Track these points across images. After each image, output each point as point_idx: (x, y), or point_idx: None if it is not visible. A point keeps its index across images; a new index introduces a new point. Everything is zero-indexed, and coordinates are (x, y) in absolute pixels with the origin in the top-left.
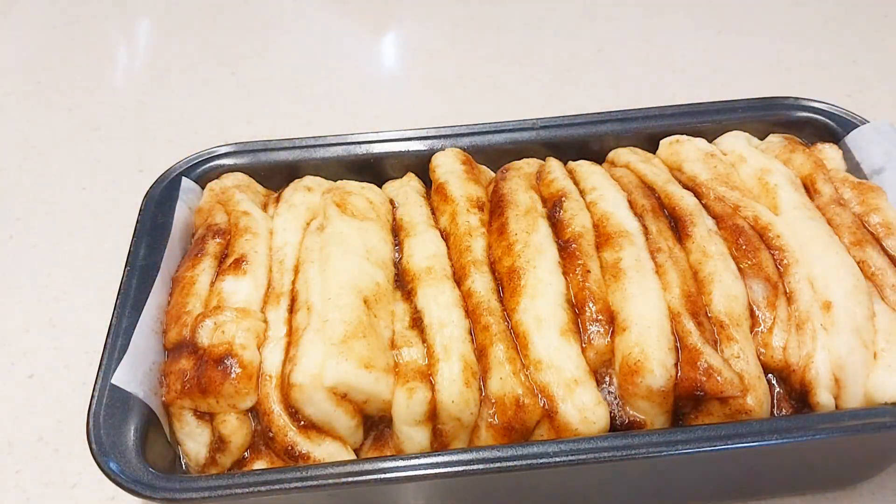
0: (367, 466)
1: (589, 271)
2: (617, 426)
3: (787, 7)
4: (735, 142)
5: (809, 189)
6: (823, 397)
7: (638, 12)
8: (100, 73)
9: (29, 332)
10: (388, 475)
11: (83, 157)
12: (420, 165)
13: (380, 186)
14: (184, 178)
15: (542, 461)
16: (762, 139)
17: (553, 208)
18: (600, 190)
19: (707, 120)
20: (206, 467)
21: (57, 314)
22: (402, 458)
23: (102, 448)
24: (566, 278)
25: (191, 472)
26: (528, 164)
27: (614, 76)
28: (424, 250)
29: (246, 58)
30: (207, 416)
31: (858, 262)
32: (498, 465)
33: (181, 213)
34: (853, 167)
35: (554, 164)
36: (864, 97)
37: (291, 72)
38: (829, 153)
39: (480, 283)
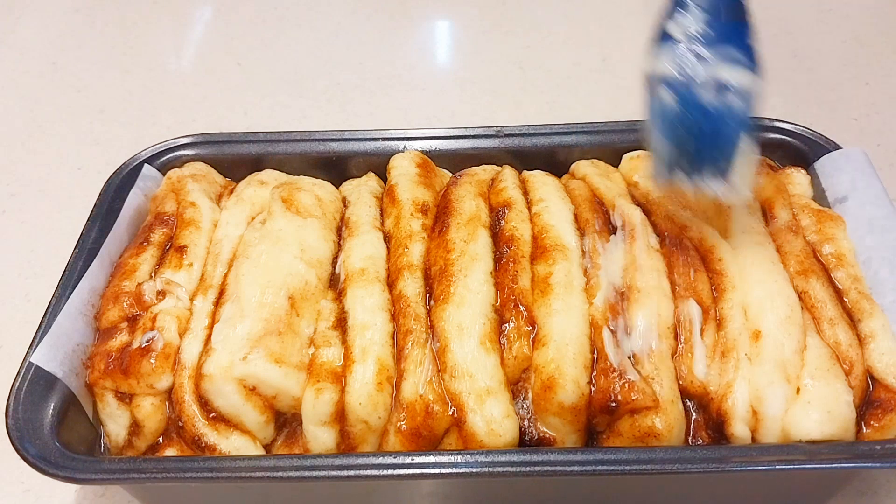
0: (264, 463)
1: (518, 283)
2: (526, 441)
3: (807, 24)
4: None
5: (767, 213)
6: (739, 429)
7: (650, 22)
8: (111, 57)
9: (4, 305)
10: (280, 473)
11: (83, 137)
12: (384, 166)
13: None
14: (146, 165)
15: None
16: None
17: (496, 218)
18: (546, 202)
19: None
20: (124, 449)
21: (34, 289)
22: (298, 458)
23: (17, 423)
24: (497, 289)
25: (110, 453)
26: (484, 171)
27: (616, 86)
28: (361, 251)
29: (254, 49)
30: (128, 399)
31: (800, 293)
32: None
33: (136, 200)
34: (819, 194)
35: (507, 173)
36: (869, 121)
37: (295, 65)
38: (797, 178)
39: (411, 287)
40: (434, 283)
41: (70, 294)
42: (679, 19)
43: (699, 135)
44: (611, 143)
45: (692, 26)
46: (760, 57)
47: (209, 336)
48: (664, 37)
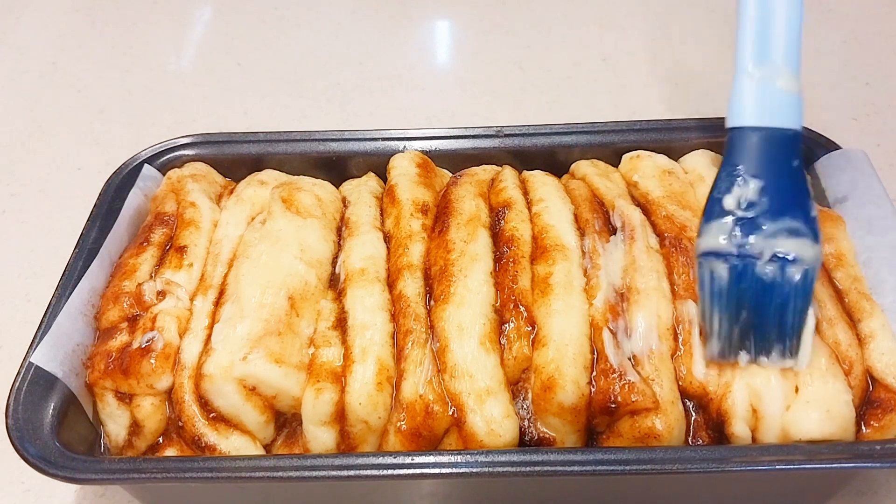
0: (264, 463)
1: (518, 284)
2: (526, 442)
3: (807, 24)
4: (697, 160)
5: None
6: (739, 428)
7: (650, 22)
8: (112, 57)
9: (4, 305)
10: (280, 473)
11: (83, 137)
12: (384, 166)
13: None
14: (146, 165)
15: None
16: None
17: (496, 218)
18: (546, 202)
19: (677, 137)
20: (124, 449)
21: (34, 289)
22: (298, 458)
23: (17, 423)
24: (497, 289)
25: (110, 453)
26: (485, 171)
27: (615, 86)
28: (361, 251)
29: (254, 49)
30: (128, 399)
31: None
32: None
33: (136, 200)
34: (819, 194)
35: (507, 173)
36: (869, 121)
37: (295, 65)
38: None
39: (411, 287)
40: (434, 284)
41: (70, 294)
42: (734, 190)
43: (762, 311)
44: (611, 143)
45: (747, 197)
46: (818, 225)
47: (209, 336)
48: (717, 210)
